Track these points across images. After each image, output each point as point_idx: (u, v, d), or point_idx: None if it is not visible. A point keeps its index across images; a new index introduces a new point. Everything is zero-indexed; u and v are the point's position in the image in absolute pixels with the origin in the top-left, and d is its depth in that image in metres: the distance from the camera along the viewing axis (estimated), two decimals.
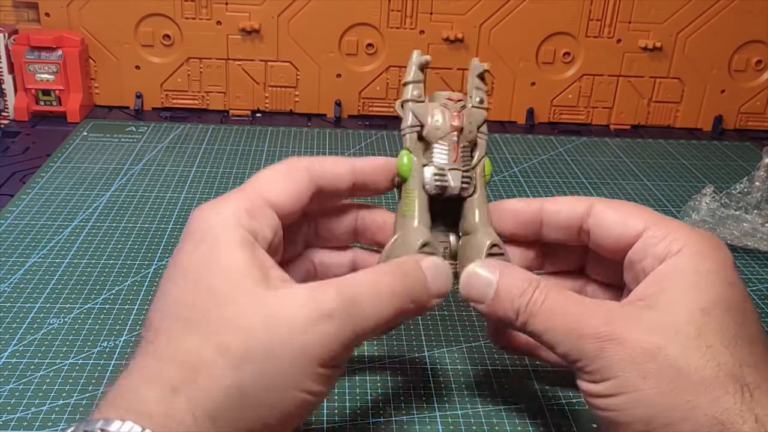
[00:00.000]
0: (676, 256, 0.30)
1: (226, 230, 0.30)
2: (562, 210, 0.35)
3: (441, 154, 0.34)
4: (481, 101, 0.36)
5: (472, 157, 0.36)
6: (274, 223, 0.32)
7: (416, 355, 0.42)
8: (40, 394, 0.37)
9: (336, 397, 0.38)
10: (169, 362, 0.27)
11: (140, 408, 0.26)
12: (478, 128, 0.36)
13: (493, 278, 0.32)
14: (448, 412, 0.37)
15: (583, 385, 0.30)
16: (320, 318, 0.28)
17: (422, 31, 0.77)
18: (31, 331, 0.42)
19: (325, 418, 0.36)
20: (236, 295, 0.28)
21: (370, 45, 0.78)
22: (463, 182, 0.34)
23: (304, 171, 0.33)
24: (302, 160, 0.34)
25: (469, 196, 0.35)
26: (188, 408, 0.26)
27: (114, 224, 0.54)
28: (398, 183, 0.36)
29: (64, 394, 0.37)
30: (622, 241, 0.33)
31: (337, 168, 0.34)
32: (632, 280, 0.33)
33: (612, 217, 0.33)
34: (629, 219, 0.33)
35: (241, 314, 0.28)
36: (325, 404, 0.37)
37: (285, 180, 0.33)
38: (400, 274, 0.31)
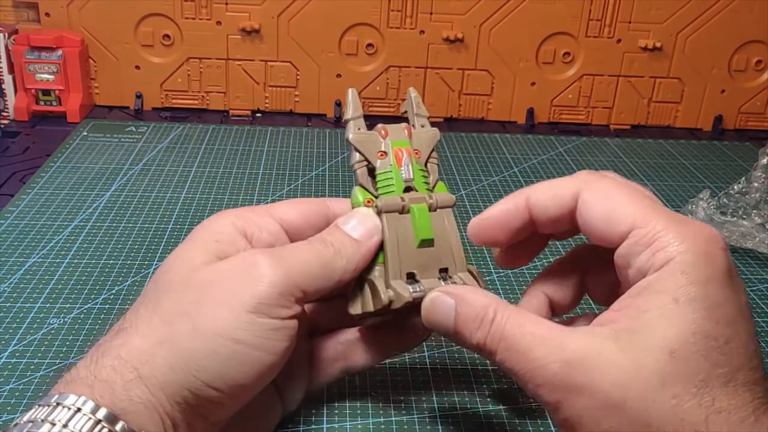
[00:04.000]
0: (659, 274, 0.27)
1: (211, 225, 0.33)
2: (549, 207, 0.32)
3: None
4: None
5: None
6: (274, 230, 0.34)
7: (416, 355, 0.42)
8: (40, 394, 0.37)
9: (336, 397, 0.38)
10: (117, 333, 0.29)
11: (73, 378, 0.28)
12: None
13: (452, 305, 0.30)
14: (448, 413, 0.37)
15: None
16: (249, 267, 0.30)
17: (422, 31, 0.77)
18: (31, 331, 0.42)
19: (324, 418, 0.36)
20: (180, 272, 0.31)
21: (370, 45, 0.78)
22: None
23: (321, 200, 0.36)
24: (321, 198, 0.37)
25: None
26: (125, 367, 0.28)
27: (114, 224, 0.54)
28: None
29: None
30: (607, 239, 0.30)
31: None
32: (623, 281, 0.30)
33: (597, 211, 0.30)
34: (615, 214, 0.29)
35: (177, 281, 0.30)
36: (325, 404, 0.37)
37: (294, 202, 0.36)
38: (320, 238, 0.33)
